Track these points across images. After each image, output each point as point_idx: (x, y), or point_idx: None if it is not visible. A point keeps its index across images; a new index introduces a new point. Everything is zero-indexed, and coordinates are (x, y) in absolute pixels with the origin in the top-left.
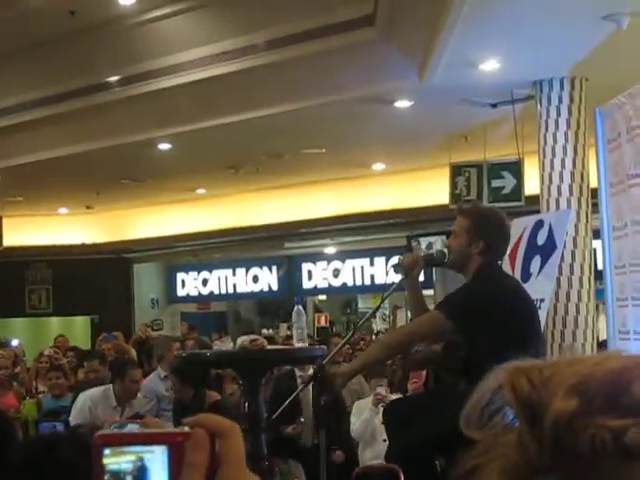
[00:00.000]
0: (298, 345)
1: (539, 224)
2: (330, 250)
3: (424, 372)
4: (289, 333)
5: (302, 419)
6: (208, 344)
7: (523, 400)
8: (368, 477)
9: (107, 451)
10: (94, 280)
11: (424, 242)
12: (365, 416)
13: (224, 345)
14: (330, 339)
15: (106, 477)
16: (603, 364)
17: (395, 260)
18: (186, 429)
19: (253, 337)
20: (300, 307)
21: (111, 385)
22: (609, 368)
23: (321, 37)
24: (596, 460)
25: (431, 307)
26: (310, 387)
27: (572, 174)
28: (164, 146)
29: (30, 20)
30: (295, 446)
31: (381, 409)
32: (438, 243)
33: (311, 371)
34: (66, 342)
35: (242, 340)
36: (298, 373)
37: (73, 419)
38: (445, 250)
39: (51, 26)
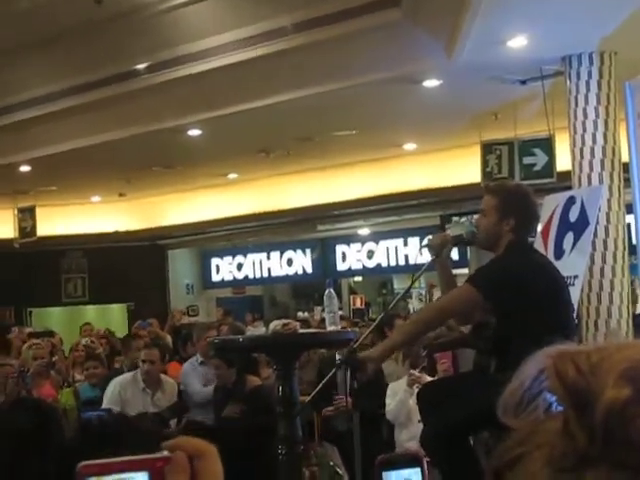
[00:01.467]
0: (330, 328)
1: (571, 200)
2: (363, 231)
3: (450, 353)
4: (324, 316)
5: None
6: (242, 329)
7: (570, 387)
8: (392, 465)
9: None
10: (129, 267)
11: (461, 221)
12: (400, 397)
13: (257, 330)
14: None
15: None
16: None
17: (425, 240)
18: (165, 453)
19: (285, 321)
20: (331, 290)
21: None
22: None
23: (347, 19)
24: None
25: None
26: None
27: (603, 149)
28: (194, 132)
29: (57, 9)
30: (330, 428)
31: (416, 390)
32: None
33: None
34: (91, 330)
35: (274, 324)
36: (338, 357)
37: (106, 405)
38: (475, 229)
39: (78, 15)
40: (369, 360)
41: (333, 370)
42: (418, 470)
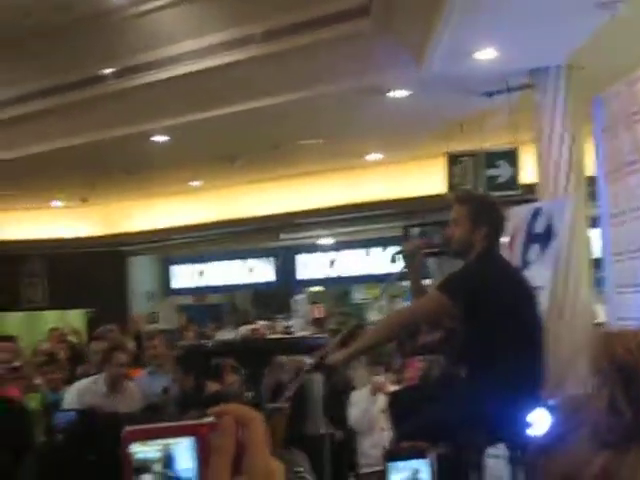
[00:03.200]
0: (300, 334)
1: (537, 212)
2: (326, 241)
3: (419, 362)
4: (286, 324)
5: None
6: (208, 335)
7: (618, 363)
8: (398, 456)
9: (135, 444)
10: (89, 273)
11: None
12: (363, 405)
13: (225, 335)
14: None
15: (134, 465)
16: None
17: (397, 249)
18: (210, 419)
19: (254, 326)
20: (301, 296)
21: (103, 374)
22: None
23: (317, 28)
24: None
25: None
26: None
27: (569, 162)
28: (160, 138)
29: (25, 11)
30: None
31: (379, 397)
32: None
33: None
34: (61, 335)
35: (243, 329)
36: (308, 361)
37: None
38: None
39: (45, 17)
40: (337, 363)
41: (302, 374)
42: (426, 461)
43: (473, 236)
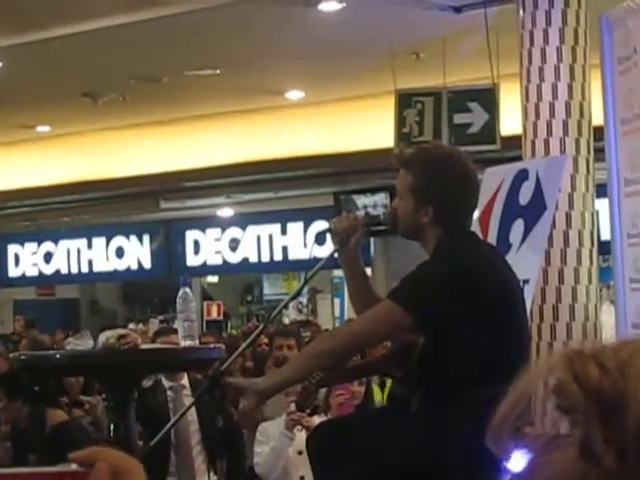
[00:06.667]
0: (186, 343)
1: (522, 175)
2: (225, 212)
3: (356, 386)
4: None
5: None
6: (46, 344)
7: (593, 392)
8: None
9: None
10: None
11: (361, 201)
12: (274, 444)
13: (81, 343)
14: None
15: None
16: None
17: (324, 225)
18: (73, 467)
19: (122, 332)
20: (187, 290)
21: None
22: None
23: None
24: None
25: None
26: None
27: (567, 106)
28: None
29: None
30: None
31: (298, 434)
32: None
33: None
34: None
35: (106, 336)
36: (167, 384)
37: None
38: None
39: None
40: (252, 391)
41: (192, 401)
42: None
43: (417, 217)
